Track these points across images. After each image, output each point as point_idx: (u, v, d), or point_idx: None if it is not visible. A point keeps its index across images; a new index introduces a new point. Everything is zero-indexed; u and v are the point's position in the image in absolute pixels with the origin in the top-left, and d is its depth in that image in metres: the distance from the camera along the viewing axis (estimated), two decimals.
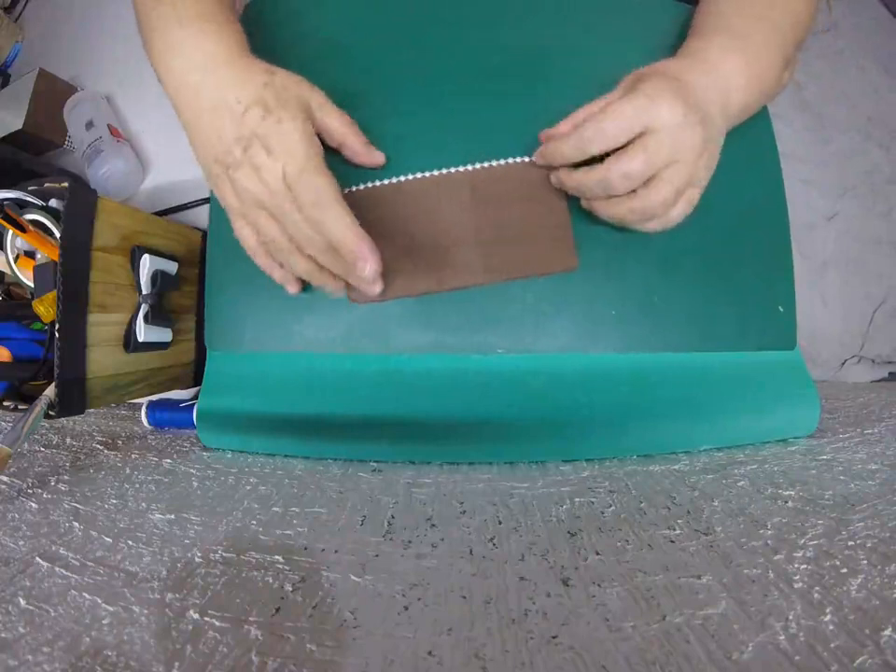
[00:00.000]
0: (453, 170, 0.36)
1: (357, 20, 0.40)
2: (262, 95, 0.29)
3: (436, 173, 0.36)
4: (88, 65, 0.77)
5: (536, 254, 0.36)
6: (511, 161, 0.36)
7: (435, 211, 0.36)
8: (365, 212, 0.33)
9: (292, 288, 0.35)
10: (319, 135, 0.32)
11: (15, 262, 0.41)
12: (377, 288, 0.30)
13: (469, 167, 0.36)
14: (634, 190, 0.30)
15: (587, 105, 0.33)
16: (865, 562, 0.21)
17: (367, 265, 0.28)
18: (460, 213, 0.36)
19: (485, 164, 0.36)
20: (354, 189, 0.36)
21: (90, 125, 0.65)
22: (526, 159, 0.36)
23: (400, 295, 0.36)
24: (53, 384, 0.37)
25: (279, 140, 0.28)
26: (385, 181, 0.36)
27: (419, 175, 0.36)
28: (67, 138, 0.71)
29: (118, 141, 0.65)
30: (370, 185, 0.36)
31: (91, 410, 0.44)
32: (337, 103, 0.35)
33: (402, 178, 0.36)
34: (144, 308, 0.44)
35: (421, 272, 0.36)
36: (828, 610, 0.18)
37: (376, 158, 0.35)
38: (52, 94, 0.70)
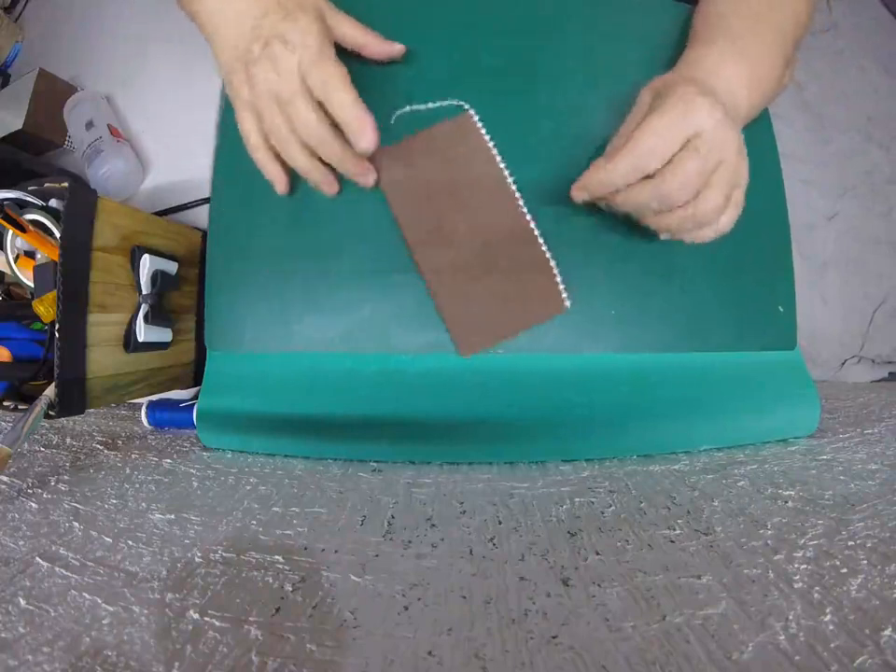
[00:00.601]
0: (521, 204, 0.36)
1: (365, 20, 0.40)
2: (281, 0, 0.31)
3: (515, 193, 0.36)
4: (88, 65, 0.77)
5: (467, 314, 0.35)
6: (547, 253, 0.36)
7: (486, 211, 0.36)
8: (459, 138, 0.36)
9: (280, 187, 0.36)
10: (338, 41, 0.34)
11: (15, 262, 0.41)
12: (371, 179, 0.34)
13: (532, 225, 0.36)
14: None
15: (618, 136, 0.33)
16: (865, 562, 0.21)
17: (364, 138, 0.31)
18: (489, 235, 0.36)
19: (535, 230, 0.36)
20: (480, 125, 0.37)
21: (90, 125, 0.65)
22: (552, 265, 0.36)
23: (392, 203, 0.36)
24: (53, 384, 0.37)
25: (296, 35, 0.30)
26: (495, 151, 0.36)
27: (509, 174, 0.36)
28: (67, 138, 0.71)
29: (118, 141, 0.65)
30: (487, 137, 0.36)
31: (91, 410, 0.44)
32: None
33: (499, 160, 0.36)
34: (144, 308, 0.44)
35: (419, 212, 0.36)
36: (828, 610, 0.18)
37: (395, 49, 0.36)
38: (52, 94, 0.70)
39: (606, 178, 0.30)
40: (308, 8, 0.31)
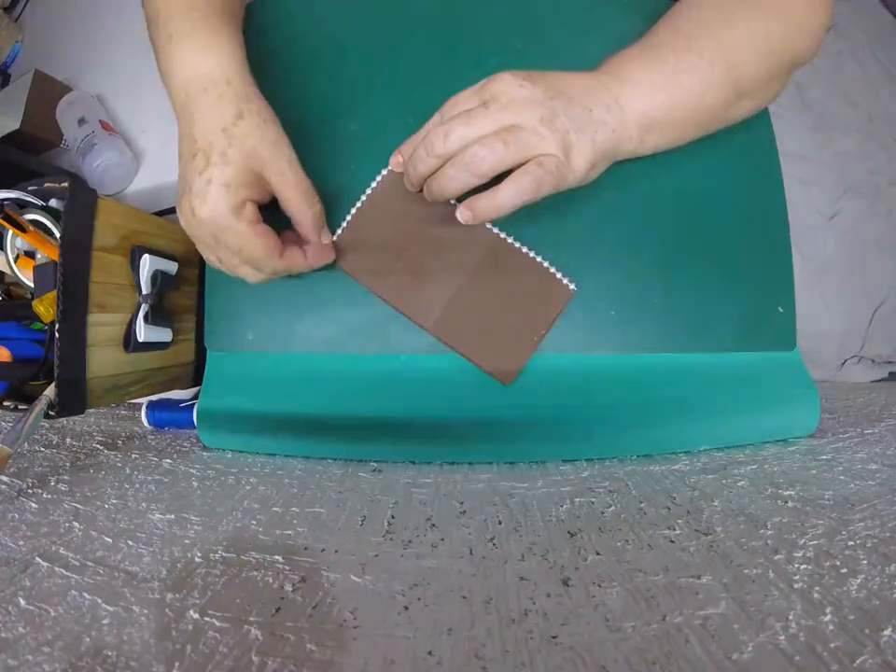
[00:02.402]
0: (489, 224, 0.35)
1: (353, 24, 0.40)
2: (212, 142, 0.29)
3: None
4: (84, 67, 0.77)
5: (487, 346, 0.35)
6: (536, 257, 0.36)
7: (448, 244, 0.35)
8: (399, 196, 0.35)
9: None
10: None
11: (15, 262, 0.41)
12: (320, 262, 0.34)
13: (503, 234, 0.36)
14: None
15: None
16: (865, 562, 0.21)
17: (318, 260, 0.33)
18: (463, 262, 0.35)
19: (513, 242, 0.36)
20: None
21: (82, 121, 0.66)
22: (546, 264, 0.36)
23: (367, 284, 0.36)
24: (53, 384, 0.37)
25: (199, 208, 0.29)
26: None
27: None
28: (64, 138, 0.71)
29: (110, 134, 0.66)
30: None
31: (91, 410, 0.44)
32: (332, 107, 0.35)
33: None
34: (144, 308, 0.44)
35: (396, 278, 0.35)
36: (828, 610, 0.18)
37: (323, 239, 0.34)
38: (48, 95, 0.71)
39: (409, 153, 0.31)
40: (234, 162, 0.28)
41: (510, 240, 0.36)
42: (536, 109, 0.28)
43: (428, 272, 0.35)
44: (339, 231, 0.36)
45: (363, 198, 0.36)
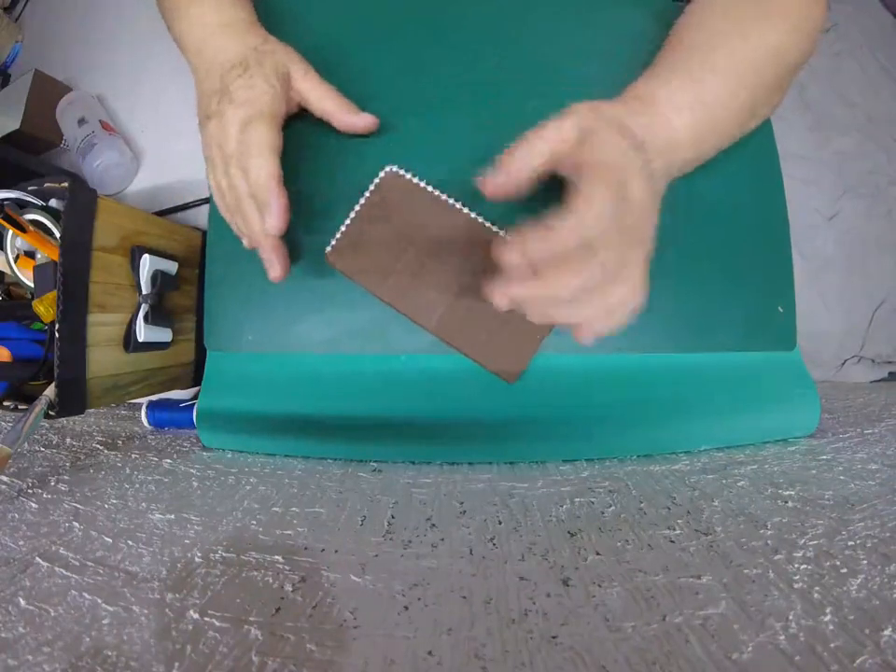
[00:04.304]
0: (490, 224, 0.35)
1: (354, 24, 0.40)
2: (247, 56, 0.32)
3: (478, 218, 0.35)
4: (84, 67, 0.77)
5: (490, 345, 0.34)
6: None
7: (448, 245, 0.35)
8: (398, 197, 0.35)
9: (245, 242, 0.34)
10: (305, 107, 0.35)
11: (15, 262, 0.41)
12: (274, 273, 0.32)
13: (503, 233, 0.35)
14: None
15: (526, 144, 0.27)
16: (865, 562, 0.21)
17: (271, 216, 0.30)
18: (464, 263, 0.35)
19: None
20: (397, 171, 0.36)
21: (82, 121, 0.66)
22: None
23: (367, 286, 0.35)
24: (53, 384, 0.37)
25: (244, 93, 0.30)
26: (436, 191, 0.35)
27: (461, 206, 0.35)
28: (64, 138, 0.71)
29: (110, 134, 0.66)
30: (409, 175, 0.36)
31: (91, 410, 0.44)
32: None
33: (445, 196, 0.35)
34: (144, 308, 0.44)
35: (396, 279, 0.35)
36: (828, 610, 0.18)
37: (363, 119, 0.35)
38: (48, 95, 0.71)
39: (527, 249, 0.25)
40: (267, 66, 0.31)
41: (510, 238, 0.36)
42: (654, 221, 0.27)
43: (429, 272, 0.35)
44: (337, 236, 0.36)
45: (361, 200, 0.36)
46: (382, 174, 0.36)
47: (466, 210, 0.35)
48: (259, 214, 0.30)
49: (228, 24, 0.34)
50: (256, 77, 0.31)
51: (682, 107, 0.29)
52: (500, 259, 0.25)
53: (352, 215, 0.36)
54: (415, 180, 0.36)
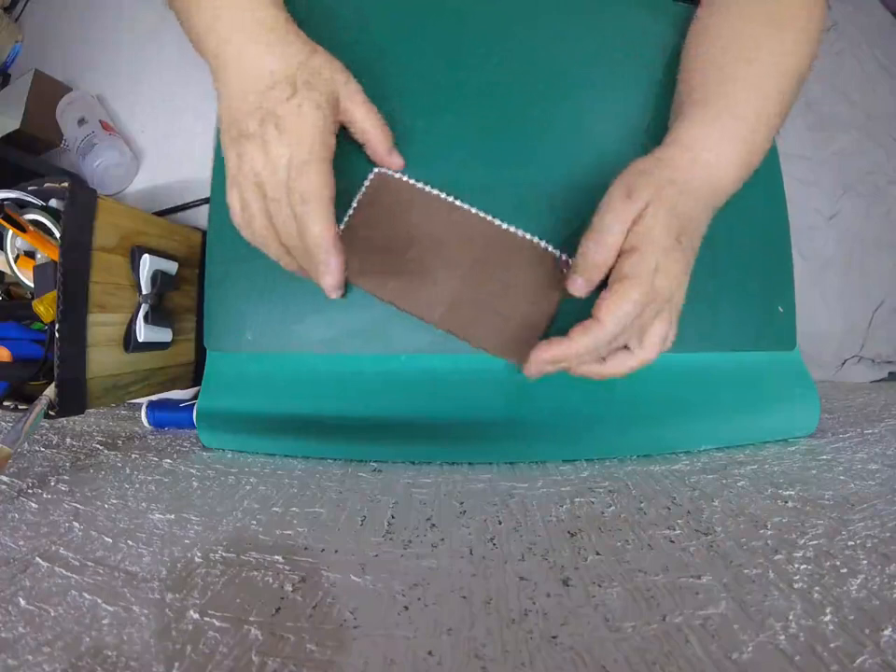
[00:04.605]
0: (483, 214, 0.35)
1: (360, 27, 0.40)
2: (294, 74, 0.29)
3: (471, 209, 0.35)
4: (84, 67, 0.77)
5: (497, 332, 0.34)
6: (534, 239, 0.35)
7: (444, 239, 0.35)
8: (390, 198, 0.35)
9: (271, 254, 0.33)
10: (345, 127, 0.32)
11: (15, 262, 0.41)
12: (334, 296, 0.31)
13: (497, 221, 0.36)
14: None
15: (590, 233, 0.29)
16: (865, 562, 0.21)
17: (328, 277, 0.29)
18: (462, 256, 0.35)
19: (508, 227, 0.35)
20: (384, 171, 0.36)
21: (82, 121, 0.66)
22: (544, 245, 0.35)
23: (368, 289, 0.35)
24: (53, 384, 0.37)
25: (294, 124, 0.28)
26: (426, 187, 0.36)
27: (453, 199, 0.36)
28: (64, 138, 0.71)
29: (110, 134, 0.66)
30: (411, 180, 0.36)
31: (91, 410, 0.44)
32: None
33: (436, 192, 0.36)
34: (144, 308, 0.44)
35: (397, 280, 0.35)
36: (828, 610, 0.18)
37: (395, 160, 0.35)
38: (48, 95, 0.71)
39: (563, 355, 0.28)
40: (317, 91, 0.29)
41: (505, 226, 0.36)
42: (683, 286, 0.29)
43: (430, 269, 0.35)
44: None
45: (354, 204, 0.36)
46: (371, 175, 0.36)
47: (459, 203, 0.35)
48: (302, 249, 0.29)
49: (266, 26, 0.29)
50: (305, 103, 0.28)
51: (726, 143, 0.30)
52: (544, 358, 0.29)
53: (346, 219, 0.36)
54: (405, 178, 0.36)
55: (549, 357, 0.29)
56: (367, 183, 0.36)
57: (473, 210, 0.36)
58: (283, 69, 0.29)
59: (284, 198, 0.28)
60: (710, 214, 0.31)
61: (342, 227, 0.36)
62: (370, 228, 0.36)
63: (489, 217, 0.36)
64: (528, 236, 0.35)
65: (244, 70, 0.29)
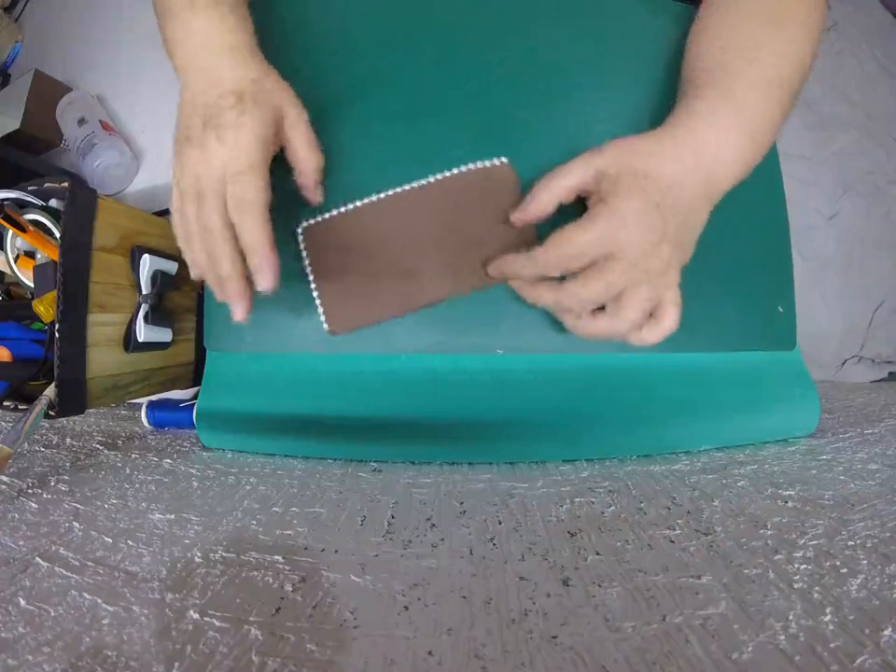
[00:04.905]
0: (412, 184, 0.35)
1: (354, 23, 0.40)
2: (244, 88, 0.30)
3: (399, 189, 0.35)
4: (84, 67, 0.77)
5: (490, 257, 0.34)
6: (469, 166, 0.35)
7: (399, 231, 0.35)
8: (321, 245, 0.36)
9: (195, 273, 0.33)
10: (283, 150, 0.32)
11: (15, 262, 0.41)
12: (238, 316, 0.31)
13: (428, 178, 0.35)
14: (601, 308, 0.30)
15: (546, 183, 0.31)
16: (865, 562, 0.21)
17: (264, 279, 0.29)
18: (425, 230, 0.35)
19: (439, 175, 0.35)
20: (309, 222, 0.36)
21: (82, 121, 0.66)
22: (491, 163, 0.35)
23: (372, 322, 0.36)
24: (53, 384, 0.37)
25: (233, 133, 0.28)
26: (335, 212, 0.36)
27: (372, 199, 0.36)
28: (64, 138, 0.71)
29: (110, 134, 0.66)
30: (320, 218, 0.36)
31: (91, 410, 0.44)
32: (327, 102, 0.34)
33: (352, 205, 0.36)
34: (144, 308, 0.44)
35: (388, 294, 0.35)
36: (828, 610, 0.18)
37: (313, 196, 0.34)
38: (48, 95, 0.71)
39: (511, 269, 0.32)
40: (262, 107, 0.29)
41: (438, 176, 0.35)
42: (667, 258, 0.29)
43: (412, 262, 0.35)
44: (320, 311, 0.36)
45: (307, 269, 0.36)
46: (300, 234, 0.36)
47: (384, 195, 0.36)
48: (231, 260, 0.30)
49: (232, 47, 0.31)
50: (247, 114, 0.29)
51: (726, 129, 0.30)
52: (525, 271, 0.31)
53: (312, 285, 0.36)
54: (327, 216, 0.36)
55: (512, 258, 0.32)
56: (302, 245, 0.36)
57: (408, 187, 0.35)
58: (235, 81, 0.30)
59: (215, 198, 0.29)
60: (701, 194, 0.30)
61: (315, 296, 0.36)
62: (337, 277, 0.36)
63: (419, 182, 0.35)
64: (455, 170, 0.35)
65: (201, 79, 0.31)
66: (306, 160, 0.33)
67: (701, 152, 0.30)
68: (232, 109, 0.29)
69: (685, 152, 0.30)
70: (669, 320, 0.30)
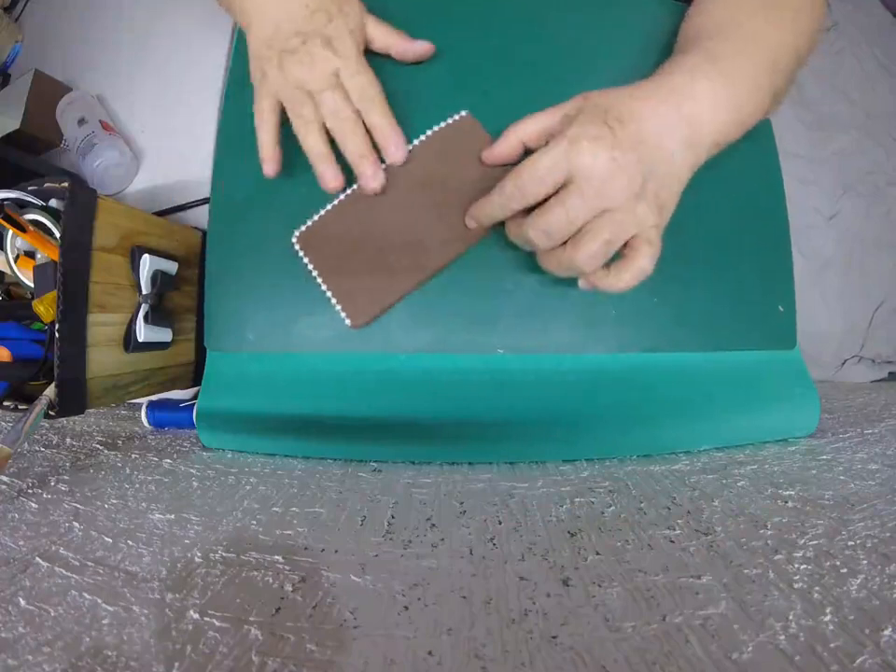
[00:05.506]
0: (384, 165, 0.35)
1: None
2: (328, 6, 0.33)
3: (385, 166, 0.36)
4: (84, 67, 0.77)
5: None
6: (441, 125, 0.36)
7: (384, 211, 0.36)
8: (320, 246, 0.36)
9: (270, 167, 0.35)
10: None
11: (15, 262, 0.41)
12: (378, 183, 0.34)
13: (413, 144, 0.36)
14: (566, 242, 0.29)
15: (514, 126, 0.32)
16: (865, 562, 0.21)
17: (398, 150, 0.34)
18: (410, 199, 0.35)
19: (416, 142, 0.36)
20: (301, 229, 0.37)
21: (82, 121, 0.66)
22: (453, 119, 0.36)
23: (390, 303, 0.36)
24: (53, 384, 0.37)
25: (340, 43, 0.33)
26: (322, 211, 0.36)
27: (354, 187, 0.36)
28: (64, 138, 0.71)
29: (110, 134, 0.66)
30: (310, 222, 0.37)
31: (91, 410, 0.44)
32: None
33: (336, 200, 0.36)
34: (144, 308, 0.44)
35: (397, 273, 0.36)
36: (828, 610, 0.18)
37: (421, 48, 0.37)
38: (48, 95, 0.70)
39: (481, 213, 0.33)
40: (350, 16, 0.34)
41: (409, 146, 0.36)
42: (629, 187, 0.28)
43: (407, 244, 0.35)
44: (343, 315, 0.36)
45: (317, 279, 0.36)
46: (295, 245, 0.37)
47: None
48: (365, 138, 0.34)
49: None
50: (341, 27, 0.33)
51: (700, 81, 0.30)
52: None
53: (323, 287, 0.37)
54: (316, 217, 0.37)
55: (481, 202, 0.32)
56: (301, 253, 0.37)
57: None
58: (318, 3, 0.33)
59: (335, 90, 0.32)
60: (674, 131, 0.29)
61: (329, 295, 0.36)
62: (343, 273, 0.36)
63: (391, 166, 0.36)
64: (423, 137, 0.36)
65: (282, 8, 0.33)
66: (393, 39, 0.36)
67: (676, 91, 0.30)
68: (331, 23, 0.33)
69: (658, 90, 0.30)
70: (642, 259, 0.29)
